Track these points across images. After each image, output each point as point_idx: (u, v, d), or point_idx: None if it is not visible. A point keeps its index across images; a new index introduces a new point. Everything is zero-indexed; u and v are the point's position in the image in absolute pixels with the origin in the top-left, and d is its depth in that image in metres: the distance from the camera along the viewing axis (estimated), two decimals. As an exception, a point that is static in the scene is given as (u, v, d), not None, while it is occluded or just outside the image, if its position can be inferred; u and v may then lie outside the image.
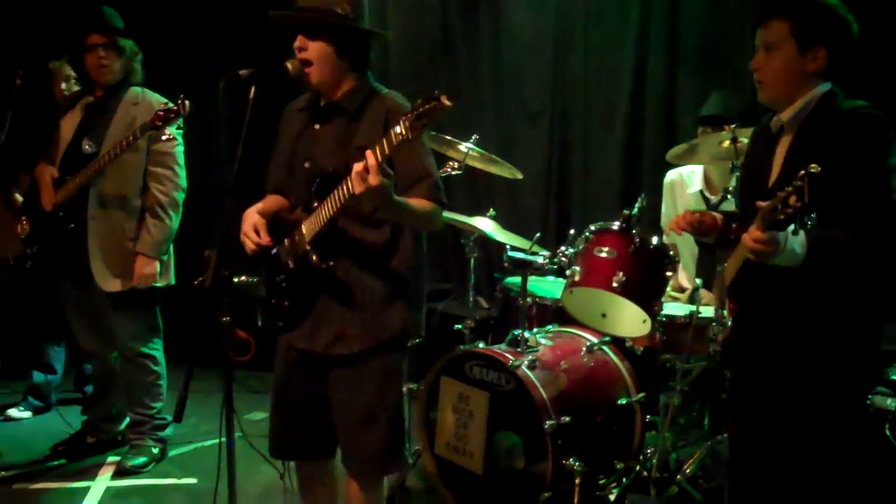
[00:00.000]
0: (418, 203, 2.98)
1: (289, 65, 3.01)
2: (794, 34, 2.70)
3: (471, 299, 4.73)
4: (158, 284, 4.62)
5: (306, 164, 3.14)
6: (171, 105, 4.01)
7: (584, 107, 5.98)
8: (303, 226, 3.06)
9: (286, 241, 3.15)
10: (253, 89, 2.92)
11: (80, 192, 4.40)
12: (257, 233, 3.12)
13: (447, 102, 2.59)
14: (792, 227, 2.27)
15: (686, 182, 4.75)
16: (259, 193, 3.35)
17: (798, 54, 2.72)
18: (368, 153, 2.69)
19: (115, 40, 4.45)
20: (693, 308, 3.95)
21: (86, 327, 4.77)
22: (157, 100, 4.53)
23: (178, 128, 3.99)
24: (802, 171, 2.19)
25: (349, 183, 2.78)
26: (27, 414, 5.58)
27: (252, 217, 3.16)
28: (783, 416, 2.75)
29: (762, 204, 2.36)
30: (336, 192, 2.88)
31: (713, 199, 4.55)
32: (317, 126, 3.16)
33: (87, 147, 4.44)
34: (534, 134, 6.12)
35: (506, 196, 5.99)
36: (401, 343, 3.24)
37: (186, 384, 2.80)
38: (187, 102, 3.94)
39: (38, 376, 5.64)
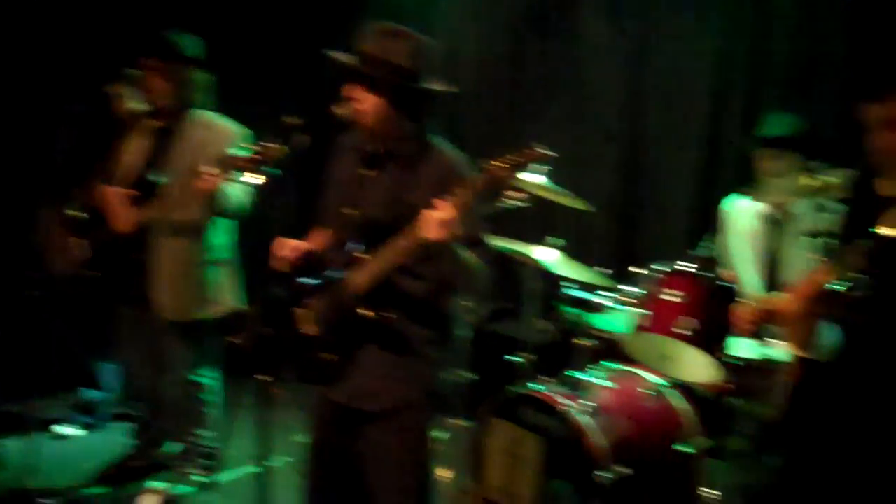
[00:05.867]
0: (473, 259, 2.92)
1: (341, 110, 2.89)
2: None
3: (529, 327, 4.58)
4: (217, 312, 4.52)
5: (349, 210, 3.06)
6: (266, 148, 3.82)
7: (659, 128, 5.76)
8: (350, 275, 2.96)
9: (327, 291, 3.05)
10: (304, 137, 2.81)
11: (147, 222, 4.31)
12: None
13: (544, 151, 2.55)
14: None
15: (746, 205, 4.50)
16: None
17: None
18: (442, 203, 2.65)
19: (164, 65, 4.33)
20: (764, 351, 3.74)
21: (139, 355, 4.70)
22: (225, 124, 4.44)
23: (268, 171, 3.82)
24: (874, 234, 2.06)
25: (413, 232, 2.72)
26: (76, 431, 5.51)
27: (284, 240, 3.15)
28: None
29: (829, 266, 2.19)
30: (395, 244, 2.81)
31: (777, 217, 4.35)
32: (366, 172, 3.07)
33: (158, 177, 4.32)
34: (606, 156, 5.93)
35: (571, 221, 5.78)
36: (430, 401, 3.18)
37: (226, 443, 2.70)
38: (283, 147, 3.75)
39: (90, 393, 5.62)
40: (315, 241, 3.26)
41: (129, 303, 4.54)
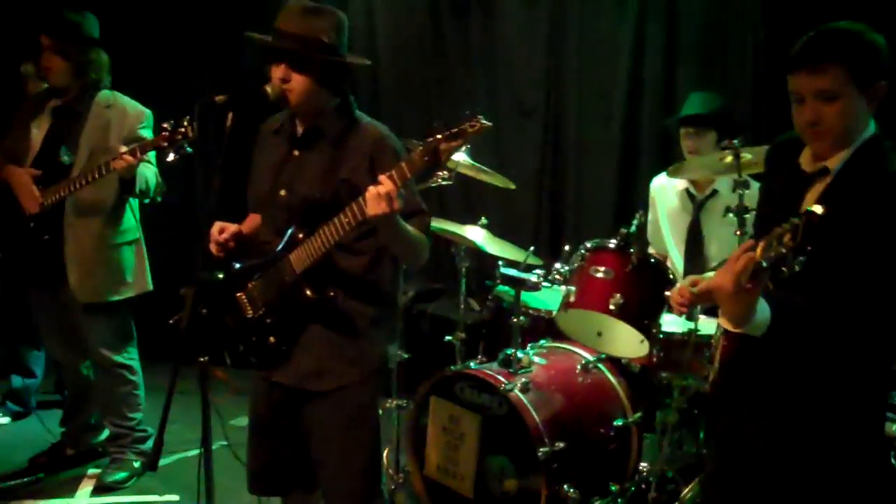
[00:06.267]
0: (416, 232, 2.92)
1: (268, 89, 2.87)
2: (853, 75, 2.40)
3: (462, 306, 4.59)
4: (131, 294, 4.49)
5: (282, 192, 3.03)
6: (178, 127, 3.77)
7: (578, 105, 5.79)
8: (290, 256, 2.92)
9: (265, 274, 3.02)
10: (230, 116, 2.77)
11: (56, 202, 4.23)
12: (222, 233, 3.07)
13: (485, 123, 2.49)
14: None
15: (671, 183, 4.57)
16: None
17: (859, 96, 2.43)
18: (385, 177, 2.61)
19: (59, 44, 4.23)
20: (692, 325, 3.82)
21: (57, 337, 4.65)
22: (131, 104, 4.38)
23: (181, 149, 3.79)
24: (804, 211, 2.03)
25: (355, 209, 2.69)
26: (6, 419, 5.45)
27: (219, 224, 3.09)
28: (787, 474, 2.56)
29: (761, 242, 2.18)
30: (335, 221, 2.77)
31: (699, 195, 4.46)
32: (297, 153, 3.04)
33: (65, 158, 4.26)
34: (527, 132, 5.93)
35: (498, 199, 5.81)
36: (376, 379, 3.18)
37: (161, 430, 2.67)
38: (195, 125, 3.70)
39: (16, 380, 5.51)
40: (248, 225, 3.24)
41: (42, 286, 4.47)
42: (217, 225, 3.09)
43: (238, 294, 3.08)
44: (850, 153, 2.48)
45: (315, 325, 3.00)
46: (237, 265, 3.11)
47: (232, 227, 3.11)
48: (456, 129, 2.49)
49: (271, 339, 3.02)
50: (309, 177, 2.99)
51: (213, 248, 3.08)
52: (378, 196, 2.59)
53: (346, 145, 2.97)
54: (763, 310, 2.29)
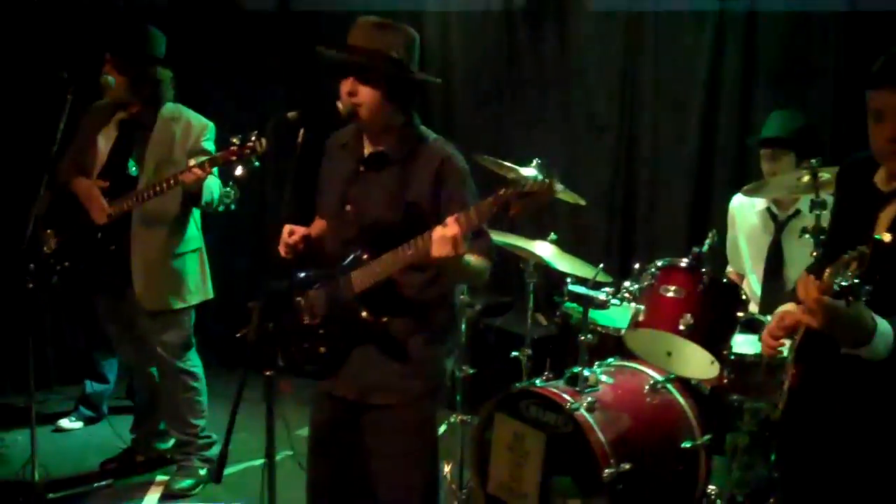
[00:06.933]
0: (476, 260, 2.90)
1: (340, 105, 2.89)
2: None
3: (529, 321, 4.56)
4: (194, 301, 4.58)
5: (348, 208, 3.05)
6: (247, 141, 3.83)
7: (652, 121, 5.72)
8: (351, 275, 2.94)
9: (326, 285, 3.04)
10: (301, 133, 2.80)
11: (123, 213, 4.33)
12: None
13: (558, 188, 2.53)
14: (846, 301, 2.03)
15: (752, 202, 4.51)
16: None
17: None
18: (453, 220, 2.64)
19: (118, 59, 4.34)
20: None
21: (127, 341, 4.75)
22: (195, 117, 4.48)
23: (249, 164, 3.86)
24: (872, 238, 1.99)
25: (420, 246, 2.73)
26: (79, 424, 5.53)
27: (289, 226, 3.11)
28: None
29: (828, 269, 2.12)
30: (399, 251, 2.81)
31: (781, 215, 4.38)
32: (363, 169, 3.05)
33: (132, 170, 4.37)
34: (599, 148, 5.89)
35: (568, 214, 5.77)
36: (437, 391, 3.19)
37: (226, 444, 2.69)
38: (263, 140, 3.76)
39: (90, 386, 5.59)
40: (315, 229, 3.26)
41: (108, 293, 4.57)
42: (287, 227, 3.11)
43: (297, 298, 3.11)
44: None
45: (377, 339, 3.01)
46: (301, 273, 3.13)
47: (301, 230, 3.13)
48: (526, 192, 2.52)
49: (321, 348, 3.05)
50: (377, 198, 3.01)
51: (282, 249, 3.11)
52: (444, 239, 2.62)
53: (412, 165, 2.99)
54: (885, 330, 2.19)
